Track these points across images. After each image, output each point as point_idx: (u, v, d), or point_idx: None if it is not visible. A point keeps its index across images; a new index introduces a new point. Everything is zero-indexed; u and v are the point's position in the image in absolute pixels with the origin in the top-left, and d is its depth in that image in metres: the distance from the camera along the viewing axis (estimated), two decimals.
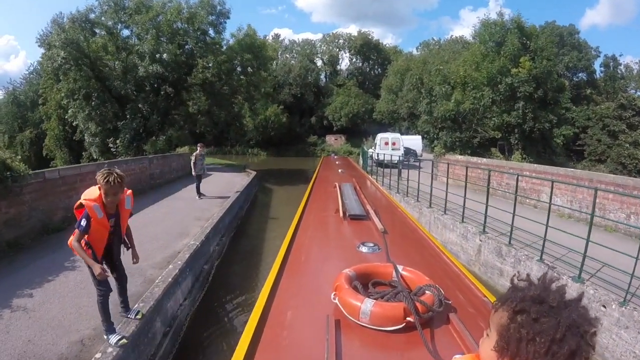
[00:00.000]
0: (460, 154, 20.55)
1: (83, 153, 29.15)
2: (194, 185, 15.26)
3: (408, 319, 3.19)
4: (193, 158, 14.47)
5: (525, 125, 21.79)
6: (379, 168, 21.69)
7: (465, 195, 10.86)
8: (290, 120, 57.22)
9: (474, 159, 18.40)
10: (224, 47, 28.24)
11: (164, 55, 24.93)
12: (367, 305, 3.28)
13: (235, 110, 31.27)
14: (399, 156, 21.15)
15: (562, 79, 28.05)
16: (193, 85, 28.34)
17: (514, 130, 22.19)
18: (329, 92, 62.19)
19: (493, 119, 21.74)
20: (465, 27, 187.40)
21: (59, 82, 25.32)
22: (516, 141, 22.30)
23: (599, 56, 45.20)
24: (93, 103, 24.76)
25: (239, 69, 28.96)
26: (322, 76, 68.48)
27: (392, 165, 19.38)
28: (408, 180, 16.17)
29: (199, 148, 14.94)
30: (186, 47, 26.04)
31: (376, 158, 23.88)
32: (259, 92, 32.32)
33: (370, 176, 20.12)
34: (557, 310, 1.14)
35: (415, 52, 61.10)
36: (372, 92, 59.73)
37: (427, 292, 3.54)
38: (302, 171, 34.10)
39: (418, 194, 14.66)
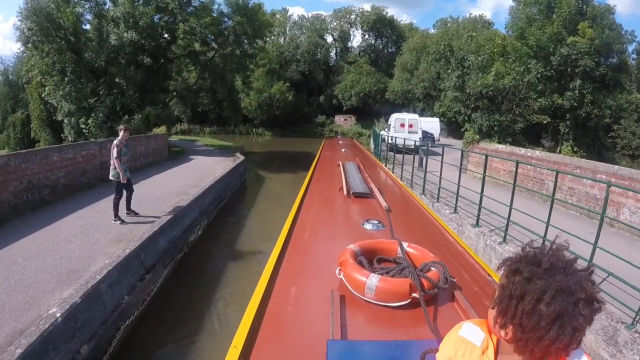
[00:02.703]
0: (499, 142, 15.78)
1: (62, 135, 25.19)
2: (160, 178, 11.67)
3: (413, 294, 3.05)
4: (115, 150, 8.42)
5: (581, 110, 16.70)
6: (392, 154, 17.56)
7: (511, 205, 7.55)
8: (297, 99, 52.16)
9: (520, 150, 13.59)
10: (215, 13, 23.63)
11: (140, 21, 20.45)
12: (372, 280, 3.14)
13: (228, 84, 26.55)
14: (417, 140, 16.83)
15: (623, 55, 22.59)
16: (180, 56, 23.87)
17: (565, 116, 17.12)
18: (339, 70, 56.92)
19: (539, 100, 16.64)
20: (482, 9, 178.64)
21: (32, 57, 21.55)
22: (567, 129, 17.22)
23: (634, 41, 39.18)
24: (67, 79, 20.78)
25: (231, 36, 24.14)
26: (333, 53, 62.97)
27: (406, 151, 15.43)
28: (426, 174, 12.21)
29: (121, 133, 8.72)
30: (167, 8, 21.36)
31: (390, 142, 19.42)
32: (255, 63, 27.56)
33: (384, 165, 15.78)
34: (550, 272, 1.13)
35: (432, 30, 56.10)
36: (385, 71, 54.71)
37: (432, 268, 3.38)
38: (306, 155, 29.30)
39: (456, 202, 10.11)
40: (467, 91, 16.33)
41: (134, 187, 9.50)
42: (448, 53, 17.72)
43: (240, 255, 10.70)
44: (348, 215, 6.78)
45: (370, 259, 3.75)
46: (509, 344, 1.22)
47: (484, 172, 8.93)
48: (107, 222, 8.88)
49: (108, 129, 20.54)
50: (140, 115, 20.17)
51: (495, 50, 17.31)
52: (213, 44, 24.03)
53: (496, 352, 1.29)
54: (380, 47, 63.18)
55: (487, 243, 7.99)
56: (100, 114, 20.71)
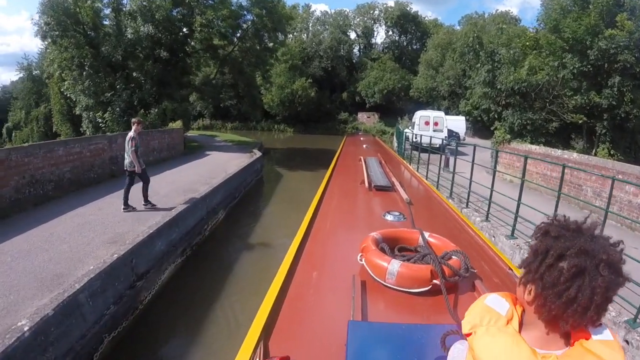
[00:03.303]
0: (532, 143, 14.54)
1: (81, 129, 25.08)
2: (171, 174, 11.44)
3: (434, 281, 3.01)
4: (132, 143, 8.64)
5: (620, 109, 15.31)
6: (416, 153, 16.52)
7: (555, 214, 5.57)
8: (320, 96, 50.98)
9: (556, 152, 12.39)
10: (233, 6, 22.95)
11: (156, 15, 20.00)
12: (394, 266, 3.11)
13: (247, 78, 25.87)
14: (442, 139, 15.77)
15: None
16: (198, 51, 23.38)
17: (603, 116, 15.70)
18: (363, 66, 55.53)
19: (575, 97, 15.33)
20: (508, 6, 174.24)
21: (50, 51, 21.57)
22: (603, 130, 15.78)
23: None
24: (85, 73, 20.52)
25: (250, 30, 23.41)
26: (356, 50, 61.62)
27: (432, 150, 14.25)
28: (454, 176, 11.00)
29: (134, 126, 8.92)
30: (184, 1, 20.84)
31: (414, 140, 18.40)
32: (275, 58, 26.82)
33: (408, 164, 14.73)
34: (577, 234, 1.15)
35: (457, 27, 54.12)
36: (409, 68, 53.11)
37: (453, 257, 3.32)
38: (328, 152, 28.00)
39: (489, 209, 9.13)
40: (498, 87, 15.08)
41: (137, 185, 9.35)
42: (477, 46, 16.53)
43: (247, 261, 9.92)
44: (369, 207, 6.75)
45: (392, 247, 3.69)
46: (533, 316, 1.22)
47: (523, 175, 8.01)
48: (106, 221, 8.40)
49: (125, 123, 20.03)
50: (156, 110, 19.62)
51: (527, 43, 16.05)
52: (232, 37, 23.34)
53: (520, 324, 1.28)
54: (405, 43, 61.41)
55: (524, 257, 6.95)
56: (117, 108, 20.38)
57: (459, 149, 16.34)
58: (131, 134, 8.71)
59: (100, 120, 20.74)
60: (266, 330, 2.60)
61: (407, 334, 2.22)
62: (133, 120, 9.11)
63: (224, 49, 24.44)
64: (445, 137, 19.01)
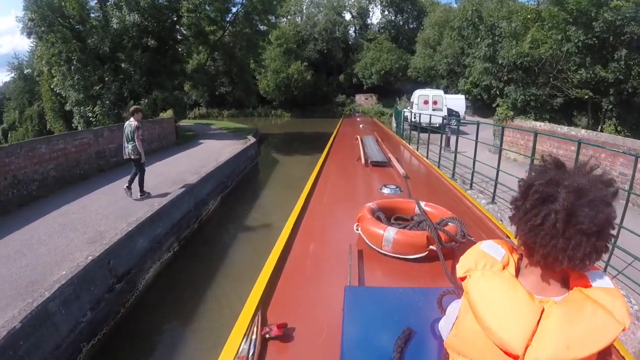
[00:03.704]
0: (536, 119, 13.85)
1: (72, 125, 24.56)
2: (160, 165, 11.48)
3: (431, 247, 3.03)
4: (138, 132, 8.67)
5: (627, 84, 14.57)
6: (415, 133, 15.89)
7: None
8: (316, 79, 50.07)
9: (563, 129, 11.76)
10: None
11: (141, 2, 19.27)
12: (389, 233, 3.13)
13: (238, 63, 25.10)
14: (443, 118, 15.34)
15: None
16: (188, 37, 22.67)
17: (609, 91, 15.01)
18: (359, 47, 54.44)
19: (580, 72, 14.64)
20: None
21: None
22: (610, 106, 15.07)
23: None
24: (73, 68, 19.91)
25: (240, 12, 22.59)
26: (351, 31, 60.32)
27: (432, 129, 13.55)
28: (456, 156, 10.62)
29: (136, 114, 8.93)
30: None
31: (413, 119, 17.74)
32: (267, 41, 26.04)
33: (408, 144, 14.15)
34: (570, 172, 1.11)
35: (454, 4, 52.73)
36: (406, 48, 52.09)
37: (450, 223, 3.34)
38: (326, 136, 27.29)
39: (495, 190, 8.70)
40: (499, 62, 14.38)
41: (123, 179, 9.79)
42: (476, 20, 15.73)
43: (242, 248, 9.59)
44: (366, 182, 6.78)
45: (388, 217, 3.68)
46: (530, 265, 1.20)
47: (532, 154, 7.46)
48: (88, 219, 7.95)
49: (115, 115, 19.64)
50: (147, 100, 18.98)
51: (529, 16, 15.29)
52: (221, 22, 22.55)
53: (517, 272, 1.24)
54: (401, 23, 60.06)
55: None
56: (107, 101, 19.80)
57: (460, 128, 15.75)
58: (134, 122, 8.70)
59: (90, 115, 20.18)
60: (264, 300, 2.59)
61: (404, 297, 2.20)
62: (132, 108, 9.17)
63: (214, 34, 23.68)
64: (445, 116, 18.37)
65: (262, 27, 24.54)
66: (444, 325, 1.56)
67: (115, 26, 19.14)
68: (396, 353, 1.70)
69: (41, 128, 35.29)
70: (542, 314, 1.08)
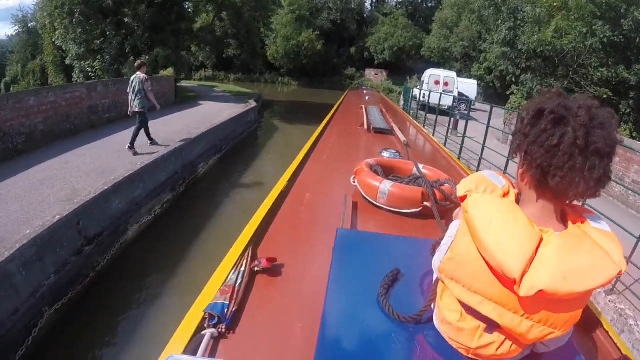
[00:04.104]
0: None
1: (73, 79, 23.70)
2: (154, 124, 10.33)
3: (425, 203, 3.05)
4: (148, 84, 9.05)
5: None
6: (422, 113, 15.29)
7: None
8: (327, 49, 48.48)
9: None
10: None
11: None
12: (385, 185, 3.17)
13: (246, 23, 24.18)
14: (454, 99, 14.68)
15: None
16: None
17: (629, 93, 14.21)
18: (374, 21, 52.64)
19: (601, 69, 13.85)
20: None
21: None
22: (628, 109, 14.31)
23: None
24: (75, 20, 18.99)
25: None
26: (368, 4, 58.47)
27: (441, 110, 12.94)
28: (464, 139, 10.22)
29: (143, 68, 9.25)
30: None
31: (421, 99, 17.04)
32: (278, 3, 25.05)
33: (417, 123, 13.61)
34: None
35: None
36: (422, 27, 50.45)
37: (446, 184, 3.20)
38: (332, 107, 26.53)
39: None
40: (519, 47, 13.60)
41: (123, 132, 10.37)
42: (499, 0, 14.83)
43: (226, 216, 9.24)
44: (367, 146, 6.78)
45: (386, 174, 3.64)
46: (529, 195, 1.20)
47: None
48: (68, 175, 7.67)
49: (114, 71, 19.02)
50: (148, 57, 18.24)
51: (554, 4, 14.41)
52: None
53: (517, 203, 1.22)
54: (419, 0, 58.28)
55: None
56: (107, 56, 19.13)
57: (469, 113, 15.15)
58: (143, 75, 8.97)
59: (90, 70, 19.54)
60: (255, 238, 2.59)
61: (396, 244, 2.21)
62: (138, 62, 9.37)
63: None
64: (455, 97, 17.70)
65: None
66: (437, 258, 1.47)
67: None
68: (382, 289, 1.68)
69: (43, 82, 34.35)
70: (540, 242, 1.07)
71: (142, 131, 9.39)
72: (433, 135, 11.20)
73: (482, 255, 1.13)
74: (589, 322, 1.96)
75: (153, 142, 9.89)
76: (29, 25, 40.47)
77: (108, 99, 12.68)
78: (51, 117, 10.35)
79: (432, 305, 1.51)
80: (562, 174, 1.04)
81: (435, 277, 1.50)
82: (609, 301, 4.71)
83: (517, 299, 1.11)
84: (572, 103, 1.08)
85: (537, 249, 1.06)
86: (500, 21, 14.81)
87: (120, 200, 6.98)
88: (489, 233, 1.10)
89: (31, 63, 36.98)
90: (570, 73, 13.65)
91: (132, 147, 9.15)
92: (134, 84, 8.85)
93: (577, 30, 13.50)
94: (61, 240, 5.49)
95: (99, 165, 8.19)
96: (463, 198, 1.25)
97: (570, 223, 1.16)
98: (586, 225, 1.13)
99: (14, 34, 44.09)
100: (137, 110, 8.96)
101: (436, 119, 11.81)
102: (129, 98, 9.02)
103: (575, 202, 1.19)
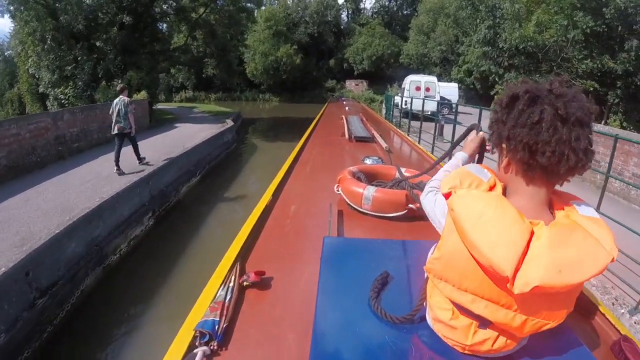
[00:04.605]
0: None
1: (47, 107, 23.20)
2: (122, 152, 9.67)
3: (410, 205, 3.02)
4: (132, 106, 9.37)
5: (636, 77, 13.36)
6: (405, 120, 14.70)
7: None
8: (306, 63, 48.48)
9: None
10: None
11: None
12: (369, 191, 3.14)
13: (220, 41, 23.68)
14: (438, 103, 14.58)
15: None
16: (167, 14, 21.31)
17: (616, 83, 13.85)
18: (351, 32, 52.97)
19: (585, 61, 13.54)
20: None
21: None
22: (616, 99, 13.95)
23: None
24: (46, 47, 18.50)
25: None
26: (344, 15, 58.81)
27: (425, 116, 12.27)
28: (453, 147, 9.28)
29: (124, 92, 9.44)
30: None
31: (404, 106, 16.59)
32: (252, 19, 24.66)
33: (397, 129, 13.00)
34: (541, 84, 1.12)
35: None
36: (399, 35, 50.82)
37: None
38: (312, 121, 26.24)
39: None
40: (500, 45, 13.19)
41: (92, 162, 10.41)
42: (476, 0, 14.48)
43: (202, 249, 8.36)
44: (349, 155, 6.74)
45: (369, 180, 3.58)
46: (515, 185, 1.16)
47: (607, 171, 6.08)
48: (26, 215, 6.78)
49: (87, 98, 18.27)
50: (120, 81, 17.60)
51: None
52: None
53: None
54: (395, 8, 58.73)
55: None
56: (80, 82, 18.40)
57: (450, 117, 14.72)
58: (126, 98, 9.18)
59: (62, 97, 18.78)
60: (242, 253, 2.54)
61: (383, 248, 2.19)
62: (120, 86, 9.64)
63: (195, 11, 22.18)
64: (440, 101, 17.29)
65: (248, 4, 23.06)
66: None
67: (88, 1, 17.69)
68: (373, 293, 1.66)
69: (21, 111, 33.58)
70: (531, 236, 1.04)
71: (116, 155, 9.31)
72: (419, 143, 10.68)
73: (471, 254, 1.09)
74: (586, 307, 1.93)
75: (142, 161, 10.22)
76: (5, 53, 40.09)
77: (76, 127, 11.94)
78: (15, 151, 9.57)
79: (424, 304, 1.47)
80: (551, 148, 1.01)
81: (426, 276, 1.43)
82: (634, 322, 4.17)
83: (508, 295, 1.09)
84: (541, 85, 1.09)
85: (528, 243, 1.02)
86: (478, 20, 14.41)
87: (76, 243, 6.18)
88: (477, 231, 1.06)
89: (8, 92, 36.08)
90: (555, 68, 13.25)
91: (140, 160, 10.13)
92: (117, 107, 8.98)
93: (557, 23, 13.08)
94: (9, 295, 4.72)
95: (60, 202, 7.42)
96: (447, 195, 1.21)
97: (558, 212, 1.13)
98: (574, 213, 1.10)
99: None
100: (127, 131, 9.21)
101: (420, 126, 11.20)
102: (113, 120, 9.10)
103: (559, 189, 1.17)
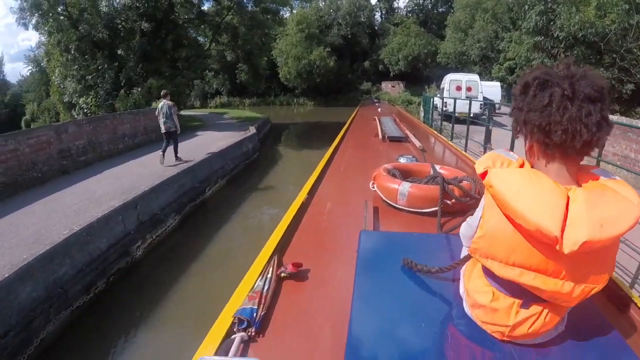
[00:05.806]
0: None
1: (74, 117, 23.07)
2: (128, 167, 10.67)
3: (445, 201, 2.99)
4: (175, 109, 10.54)
5: None
6: (446, 124, 12.95)
7: None
8: (340, 65, 46.94)
9: None
10: None
11: None
12: (404, 187, 3.17)
13: (245, 45, 22.73)
14: (482, 104, 13.67)
15: None
16: (190, 20, 20.88)
17: None
18: (385, 32, 51.01)
19: None
20: None
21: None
22: None
23: None
24: (70, 57, 18.63)
25: None
26: (377, 15, 56.95)
27: (469, 119, 9.92)
28: None
29: (167, 97, 10.61)
30: None
31: (444, 108, 14.94)
32: (278, 21, 23.75)
33: (433, 130, 11.46)
34: (552, 69, 1.16)
35: None
36: (435, 33, 48.68)
37: (464, 181, 3.24)
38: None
39: None
40: (554, 34, 11.32)
41: (96, 177, 9.88)
42: None
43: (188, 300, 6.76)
44: (383, 154, 6.70)
45: (404, 177, 3.56)
46: (540, 167, 1.21)
47: (599, 154, 5.08)
48: (2, 244, 5.80)
49: (109, 106, 17.93)
50: (140, 89, 16.89)
51: None
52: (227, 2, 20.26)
53: None
54: (429, 6, 56.40)
55: None
56: (101, 91, 18.13)
57: (495, 119, 12.97)
58: (169, 102, 10.32)
59: (84, 106, 18.51)
60: (280, 247, 2.54)
61: (419, 242, 2.20)
62: (163, 92, 10.75)
63: (219, 15, 21.38)
64: (482, 104, 15.49)
65: (272, 4, 22.05)
66: (466, 231, 1.49)
67: (104, 9, 17.49)
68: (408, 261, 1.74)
69: (57, 120, 34.62)
70: (568, 200, 1.08)
71: (164, 149, 10.57)
72: (465, 151, 8.93)
73: (515, 225, 1.13)
74: (620, 299, 1.87)
75: (179, 159, 11.03)
76: (42, 64, 41.19)
77: (82, 140, 11.11)
78: (13, 167, 8.84)
79: (461, 289, 1.52)
80: (563, 127, 1.07)
81: (468, 245, 1.42)
82: None
83: (555, 263, 1.13)
84: (552, 69, 1.15)
85: (566, 206, 1.06)
86: (527, 6, 12.47)
87: (33, 287, 5.02)
88: (519, 200, 1.10)
89: (45, 101, 37.42)
90: (617, 60, 11.22)
91: (177, 158, 10.98)
92: (164, 109, 10.19)
93: (619, 7, 11.06)
94: None
95: (38, 228, 6.38)
96: (483, 175, 1.25)
97: (582, 183, 1.16)
98: (600, 179, 1.15)
99: (27, 73, 45.18)
100: (172, 130, 10.38)
101: (467, 131, 9.23)
102: (160, 121, 10.28)
103: (583, 164, 1.20)
